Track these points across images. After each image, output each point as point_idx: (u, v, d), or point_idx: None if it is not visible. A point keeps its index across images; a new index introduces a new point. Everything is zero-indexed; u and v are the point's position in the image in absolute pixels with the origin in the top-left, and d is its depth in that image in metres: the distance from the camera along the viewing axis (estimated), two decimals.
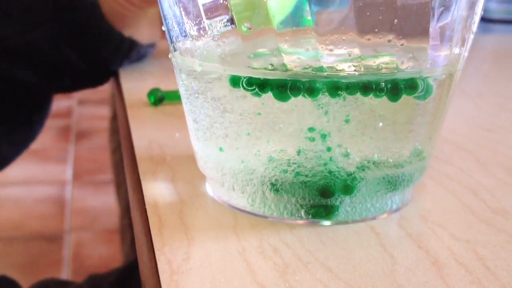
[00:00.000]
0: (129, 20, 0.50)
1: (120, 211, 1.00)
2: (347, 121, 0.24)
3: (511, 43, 0.75)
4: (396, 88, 0.24)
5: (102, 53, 0.50)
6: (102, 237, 1.44)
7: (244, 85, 0.24)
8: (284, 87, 0.24)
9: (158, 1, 0.27)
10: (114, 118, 0.97)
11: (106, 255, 1.36)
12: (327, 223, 0.26)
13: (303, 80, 0.23)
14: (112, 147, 0.98)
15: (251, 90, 0.24)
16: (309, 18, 0.23)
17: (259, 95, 0.24)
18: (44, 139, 1.96)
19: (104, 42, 0.49)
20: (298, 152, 0.25)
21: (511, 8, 0.77)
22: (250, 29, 0.24)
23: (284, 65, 0.24)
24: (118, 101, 0.47)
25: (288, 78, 0.24)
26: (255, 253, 0.24)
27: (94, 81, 0.54)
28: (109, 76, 0.54)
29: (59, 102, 2.20)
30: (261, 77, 0.24)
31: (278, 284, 0.22)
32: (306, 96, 0.24)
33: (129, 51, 0.52)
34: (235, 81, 0.24)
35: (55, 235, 1.44)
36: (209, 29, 0.24)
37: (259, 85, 0.24)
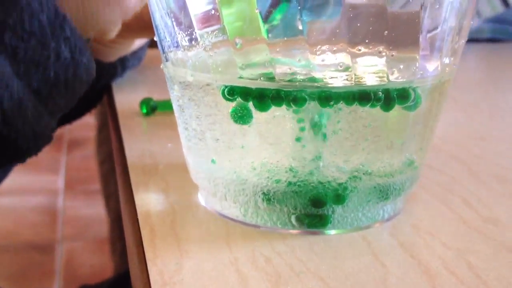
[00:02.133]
0: (116, 53, 0.50)
1: (109, 222, 1.00)
2: (338, 131, 0.24)
3: (502, 53, 0.76)
4: (388, 98, 0.24)
5: (97, 88, 0.50)
6: (94, 246, 1.43)
7: (226, 94, 0.24)
8: (265, 97, 0.24)
9: (150, 12, 0.27)
10: (101, 129, 0.96)
11: (98, 265, 1.35)
12: (319, 232, 0.26)
13: (288, 90, 0.23)
14: (99, 159, 0.98)
15: (232, 100, 0.24)
16: (300, 28, 0.23)
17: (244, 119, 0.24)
18: None
19: (97, 79, 0.49)
20: (290, 163, 0.25)
21: (496, 27, 0.78)
22: (242, 44, 0.24)
23: (270, 73, 0.24)
24: (110, 110, 0.47)
25: (280, 88, 0.24)
26: (247, 263, 0.24)
27: (89, 109, 0.54)
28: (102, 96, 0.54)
29: None
30: (253, 87, 0.24)
31: None
32: (292, 105, 0.24)
33: (122, 72, 0.52)
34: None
35: (47, 245, 1.43)
36: (201, 39, 0.25)
37: (240, 94, 0.24)
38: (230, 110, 0.25)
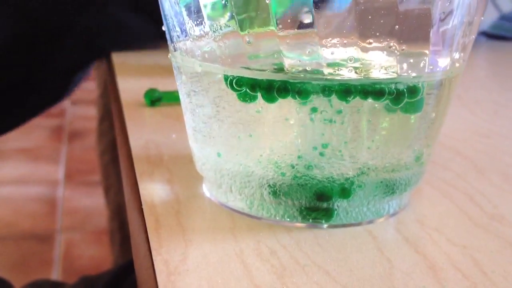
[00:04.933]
0: None
1: (109, 213, 1.00)
2: (345, 126, 0.24)
3: (506, 50, 0.76)
4: (398, 92, 0.24)
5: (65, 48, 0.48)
6: (93, 237, 1.43)
7: (234, 85, 0.24)
8: (274, 88, 0.24)
9: (159, 0, 0.27)
10: (102, 120, 0.96)
11: (97, 256, 1.35)
12: (324, 226, 0.26)
13: (297, 81, 0.23)
14: (100, 150, 0.98)
15: (239, 90, 0.24)
16: (311, 20, 0.23)
17: (251, 98, 0.24)
18: (37, 138, 1.95)
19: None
20: (298, 156, 0.25)
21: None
22: (252, 42, 0.24)
23: (280, 64, 0.24)
24: (114, 101, 0.47)
25: (290, 80, 0.23)
26: (253, 255, 0.24)
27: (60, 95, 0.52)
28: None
29: None
30: (263, 78, 0.24)
31: (275, 287, 0.22)
32: (297, 98, 0.24)
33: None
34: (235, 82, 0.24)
35: (46, 235, 1.43)
36: (210, 29, 0.24)
37: (249, 86, 0.24)
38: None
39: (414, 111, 0.25)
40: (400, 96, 0.24)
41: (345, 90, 0.23)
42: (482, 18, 0.26)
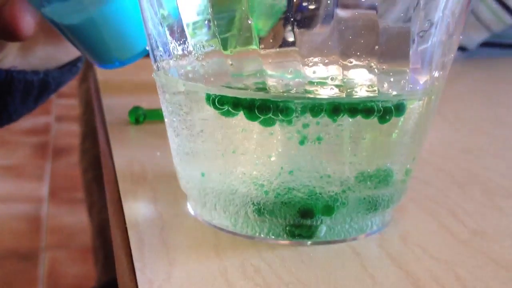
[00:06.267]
0: None
1: (92, 231, 0.99)
2: (328, 143, 0.25)
3: (488, 67, 0.77)
4: (384, 110, 0.24)
5: None
6: (78, 255, 1.42)
7: (217, 104, 0.24)
8: (254, 107, 0.24)
9: (142, 20, 0.27)
10: (85, 137, 0.96)
11: (82, 274, 1.34)
12: (308, 243, 0.26)
13: (278, 100, 0.24)
14: (83, 167, 0.98)
15: (221, 109, 0.24)
16: (292, 39, 0.23)
17: (231, 115, 0.24)
18: (21, 155, 1.93)
19: None
20: (279, 174, 0.25)
21: None
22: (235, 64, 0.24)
23: (262, 83, 0.24)
24: (98, 119, 0.47)
25: (272, 99, 0.24)
26: (237, 273, 0.24)
27: None
28: None
29: (37, 119, 2.18)
30: (246, 97, 0.24)
31: None
32: (280, 116, 0.24)
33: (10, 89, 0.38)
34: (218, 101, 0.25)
35: (30, 253, 1.41)
36: (193, 49, 0.25)
37: (230, 104, 0.24)
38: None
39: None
40: (387, 114, 0.24)
41: (333, 109, 0.24)
42: (461, 37, 0.26)
